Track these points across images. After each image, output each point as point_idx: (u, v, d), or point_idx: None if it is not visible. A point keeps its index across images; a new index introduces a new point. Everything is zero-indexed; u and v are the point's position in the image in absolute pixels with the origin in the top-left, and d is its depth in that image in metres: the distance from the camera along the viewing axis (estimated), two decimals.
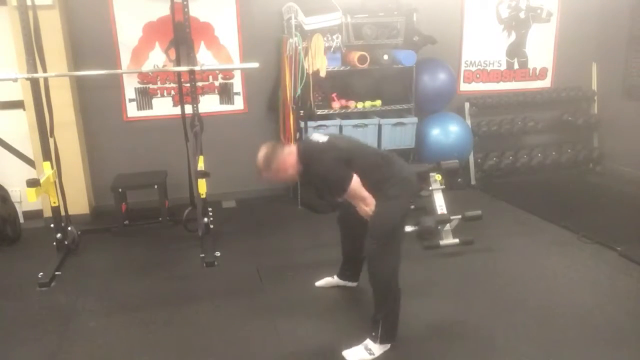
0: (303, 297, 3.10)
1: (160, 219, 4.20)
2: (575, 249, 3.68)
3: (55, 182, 3.63)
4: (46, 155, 3.56)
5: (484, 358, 2.52)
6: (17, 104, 4.18)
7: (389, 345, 2.54)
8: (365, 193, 2.49)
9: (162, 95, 4.61)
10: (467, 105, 5.24)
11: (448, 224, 3.74)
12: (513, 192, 4.89)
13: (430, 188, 3.81)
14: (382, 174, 2.55)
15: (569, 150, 5.45)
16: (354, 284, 3.14)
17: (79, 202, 4.31)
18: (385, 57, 4.43)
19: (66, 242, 3.72)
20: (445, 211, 3.74)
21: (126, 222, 4.22)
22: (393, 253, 2.51)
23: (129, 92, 4.55)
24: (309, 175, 2.61)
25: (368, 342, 2.53)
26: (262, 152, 2.56)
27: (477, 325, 2.77)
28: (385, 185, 2.52)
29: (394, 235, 2.51)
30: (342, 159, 2.50)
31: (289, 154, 2.57)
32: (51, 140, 3.60)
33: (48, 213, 3.85)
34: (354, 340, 2.56)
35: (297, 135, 4.46)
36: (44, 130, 3.54)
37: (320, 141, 2.60)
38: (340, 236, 3.03)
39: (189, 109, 3.90)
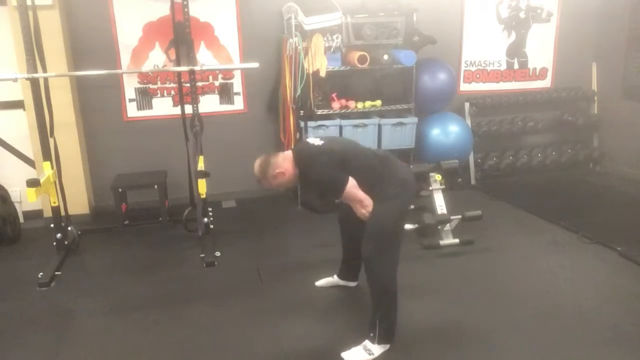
0: (303, 297, 3.10)
1: (160, 219, 4.20)
2: (575, 249, 3.68)
3: (55, 182, 3.63)
4: (46, 155, 3.56)
5: (484, 358, 2.52)
6: (17, 104, 4.18)
7: (388, 346, 2.54)
8: (361, 195, 2.49)
9: (162, 95, 4.61)
10: (467, 105, 5.24)
11: (448, 224, 3.74)
12: (513, 192, 4.89)
13: (430, 188, 3.81)
14: (379, 175, 2.55)
15: (569, 150, 5.45)
16: (354, 284, 3.14)
17: (79, 202, 4.31)
18: (385, 57, 4.42)
19: (66, 242, 3.72)
20: (445, 211, 3.74)
21: (126, 222, 4.22)
22: (391, 254, 2.51)
23: (129, 92, 4.55)
24: (306, 179, 2.62)
25: (367, 342, 2.53)
26: (257, 163, 2.60)
27: (476, 325, 2.77)
28: (382, 186, 2.52)
29: (391, 236, 2.50)
30: (336, 162, 2.50)
31: (284, 159, 2.57)
32: (51, 140, 3.60)
33: (48, 213, 3.85)
34: (354, 340, 2.55)
35: (297, 135, 4.46)
36: (44, 130, 3.54)
37: (316, 144, 2.60)
38: (341, 236, 3.03)
39: (189, 109, 3.90)
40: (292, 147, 2.63)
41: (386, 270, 2.50)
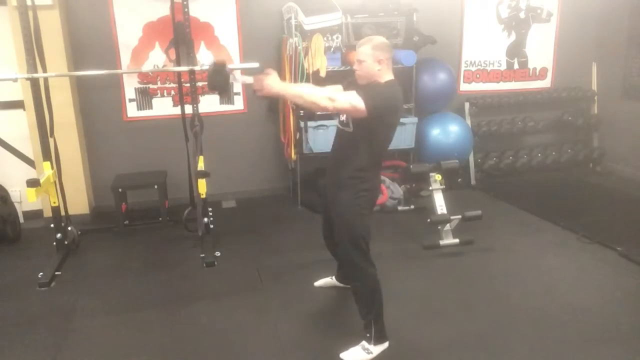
0: (302, 297, 3.11)
1: (160, 219, 4.20)
2: (575, 249, 3.68)
3: (55, 182, 3.63)
4: (46, 155, 3.56)
5: (484, 358, 2.52)
6: (17, 104, 4.18)
7: (386, 344, 2.54)
8: (341, 103, 2.31)
9: (162, 95, 4.61)
10: (467, 105, 5.24)
11: (448, 224, 3.74)
12: (513, 192, 4.89)
13: (430, 188, 3.81)
14: (373, 166, 2.53)
15: (569, 150, 5.45)
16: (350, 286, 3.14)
17: (79, 202, 4.31)
18: None
19: (66, 242, 3.72)
20: (445, 211, 3.74)
21: (126, 222, 4.22)
22: (365, 252, 2.50)
23: (129, 92, 4.55)
24: (372, 88, 2.44)
25: (364, 343, 2.53)
26: (379, 38, 2.49)
27: (476, 325, 2.77)
28: (364, 179, 2.48)
29: (362, 237, 2.48)
30: (391, 104, 2.43)
31: (390, 72, 2.49)
32: (51, 140, 3.60)
33: (48, 213, 3.85)
34: (352, 340, 2.55)
35: (297, 135, 4.46)
36: (44, 130, 3.54)
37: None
38: (325, 245, 2.97)
39: (189, 109, 3.90)
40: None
41: (371, 269, 2.51)
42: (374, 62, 2.43)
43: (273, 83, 2.36)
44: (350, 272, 2.60)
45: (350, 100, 2.31)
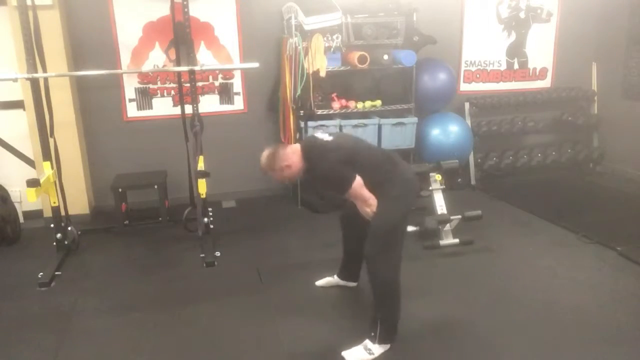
0: (303, 297, 3.10)
1: (160, 219, 4.20)
2: (575, 249, 3.68)
3: (55, 182, 3.63)
4: (46, 155, 3.56)
5: (484, 358, 2.52)
6: (17, 104, 4.19)
7: (388, 346, 2.54)
8: (366, 194, 2.49)
9: (162, 95, 4.62)
10: (467, 105, 5.24)
11: (448, 224, 3.74)
12: (513, 192, 4.89)
13: (430, 188, 3.81)
14: (385, 174, 2.55)
15: (569, 150, 5.45)
16: (354, 284, 3.14)
17: (79, 202, 4.31)
18: (385, 57, 4.42)
19: (66, 242, 3.72)
20: (445, 211, 3.74)
21: (126, 222, 4.22)
22: (393, 254, 2.51)
23: (129, 92, 4.55)
24: (313, 174, 2.61)
25: (367, 342, 2.53)
26: (265, 154, 2.61)
27: (476, 325, 2.77)
28: (387, 185, 2.52)
29: (395, 235, 2.50)
30: (345, 160, 2.50)
31: (293, 152, 2.58)
32: (51, 140, 3.60)
33: (48, 213, 3.85)
34: (354, 340, 2.55)
35: (297, 135, 4.46)
36: (44, 130, 3.54)
37: (324, 140, 2.61)
38: (342, 235, 3.02)
39: (189, 109, 3.90)
40: (300, 140, 2.63)
41: (389, 269, 2.50)
42: (287, 170, 2.57)
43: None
44: (368, 266, 2.56)
45: (357, 193, 2.50)
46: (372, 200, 2.50)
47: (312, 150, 2.58)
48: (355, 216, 2.63)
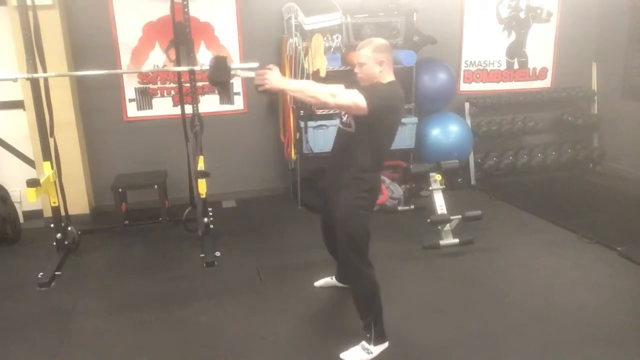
0: (302, 297, 3.10)
1: (160, 219, 4.20)
2: (575, 249, 3.68)
3: (55, 182, 3.62)
4: (46, 155, 3.56)
5: (484, 358, 2.52)
6: (17, 104, 4.19)
7: (386, 344, 2.54)
8: (343, 100, 2.29)
9: (162, 95, 4.62)
10: (467, 105, 5.24)
11: (448, 224, 3.74)
12: (513, 192, 4.89)
13: (430, 188, 3.81)
14: (375, 166, 2.52)
15: (569, 150, 5.45)
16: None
17: (79, 202, 4.31)
18: None
19: (66, 242, 3.72)
20: (445, 211, 3.74)
21: (126, 222, 4.22)
22: (364, 253, 2.50)
23: (129, 92, 4.55)
24: (374, 88, 2.44)
25: (364, 343, 2.53)
26: (379, 39, 2.51)
27: (476, 324, 2.77)
28: (366, 180, 2.48)
29: (361, 237, 2.48)
30: (394, 107, 2.44)
31: (391, 73, 2.49)
32: (51, 140, 3.59)
33: (48, 213, 3.85)
34: (352, 340, 2.55)
35: (297, 135, 4.46)
36: (44, 130, 3.54)
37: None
38: (324, 241, 2.97)
39: (189, 109, 3.90)
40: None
41: (368, 271, 2.50)
42: (375, 64, 2.44)
43: (274, 78, 2.35)
44: (349, 273, 2.60)
45: (352, 97, 2.29)
46: (338, 100, 2.28)
47: (393, 88, 2.48)
48: (331, 221, 2.62)
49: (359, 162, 2.46)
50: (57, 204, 3.63)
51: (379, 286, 2.52)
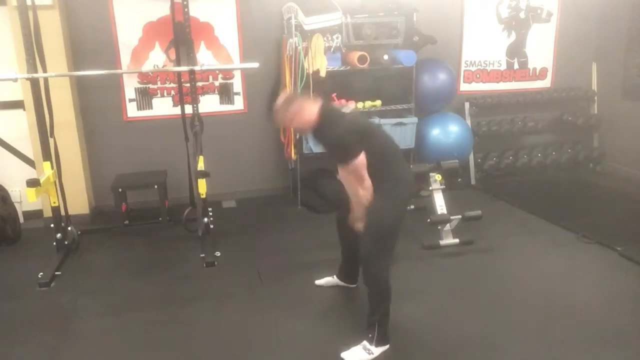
0: (303, 297, 3.10)
1: (160, 219, 4.20)
2: (575, 249, 3.68)
3: (55, 182, 3.63)
4: (46, 155, 3.56)
5: (484, 358, 2.52)
6: (17, 104, 4.18)
7: (387, 345, 2.54)
8: (365, 174, 2.43)
9: (162, 95, 4.61)
10: (467, 105, 5.24)
11: (448, 224, 3.74)
12: (513, 192, 4.89)
13: (430, 188, 3.81)
14: (389, 168, 2.54)
15: (569, 150, 5.45)
16: (354, 286, 3.14)
17: (79, 202, 4.31)
18: (385, 57, 4.42)
19: (66, 242, 3.72)
20: (445, 211, 3.74)
21: (126, 222, 4.22)
22: (387, 254, 2.51)
23: (129, 92, 4.55)
24: (321, 135, 2.54)
25: (365, 343, 2.53)
26: (285, 95, 2.61)
27: (476, 325, 2.77)
28: (387, 180, 2.50)
29: (389, 235, 2.50)
30: (358, 132, 2.47)
31: (313, 104, 2.52)
32: (51, 140, 3.60)
33: (48, 213, 3.85)
34: (353, 340, 2.55)
35: (297, 135, 4.46)
36: (44, 130, 3.54)
37: (344, 110, 2.64)
38: (339, 238, 3.01)
39: (189, 109, 3.91)
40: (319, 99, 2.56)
41: (383, 270, 2.50)
42: (298, 116, 2.52)
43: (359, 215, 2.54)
44: (364, 271, 2.57)
45: (357, 167, 2.40)
46: (368, 183, 2.45)
47: (332, 112, 2.54)
48: (349, 218, 2.63)
49: (374, 174, 2.49)
50: (57, 204, 3.63)
51: (390, 292, 2.52)
